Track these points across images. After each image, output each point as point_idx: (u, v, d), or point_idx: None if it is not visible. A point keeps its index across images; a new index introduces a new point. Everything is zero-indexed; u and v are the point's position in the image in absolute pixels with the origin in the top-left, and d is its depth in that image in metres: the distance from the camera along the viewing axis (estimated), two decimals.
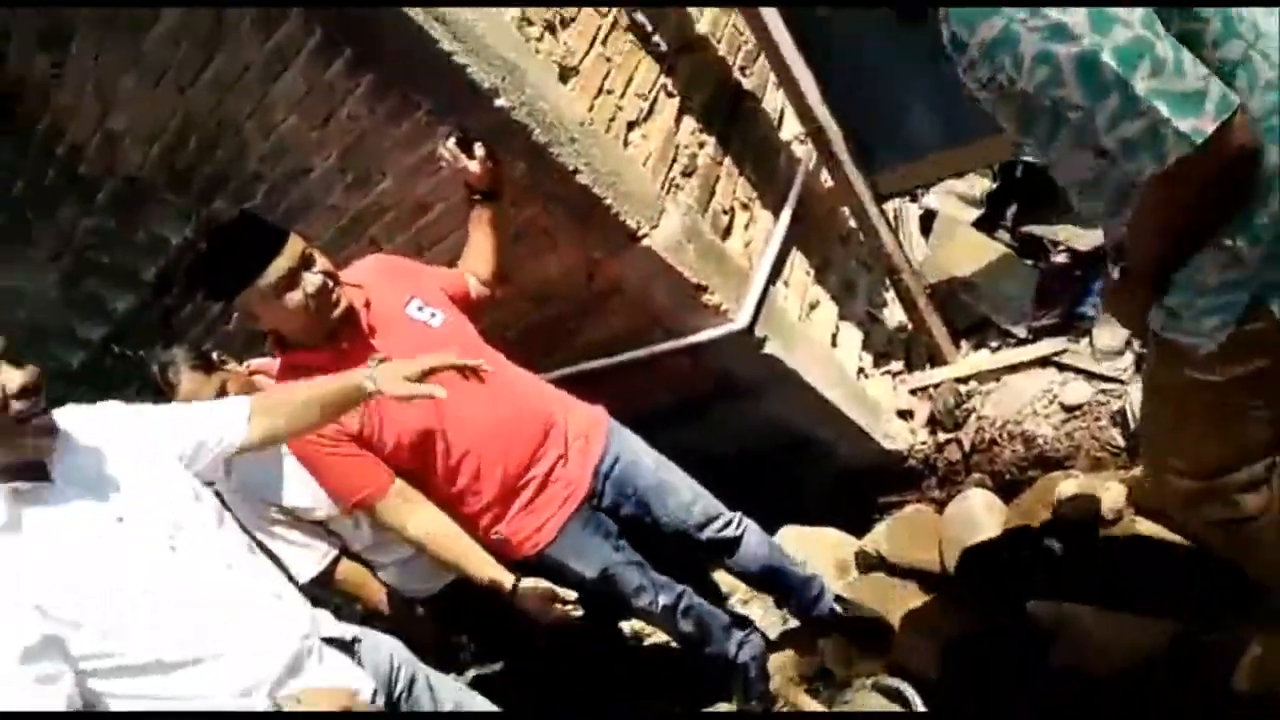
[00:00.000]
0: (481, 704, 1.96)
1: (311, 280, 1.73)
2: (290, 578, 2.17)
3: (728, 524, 2.11)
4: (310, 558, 2.16)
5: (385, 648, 1.82)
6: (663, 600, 2.05)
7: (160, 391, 1.99)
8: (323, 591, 2.21)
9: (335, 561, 2.20)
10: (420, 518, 1.89)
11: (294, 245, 1.73)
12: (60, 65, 2.28)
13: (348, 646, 1.71)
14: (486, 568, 1.91)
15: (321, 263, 1.77)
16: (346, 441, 1.82)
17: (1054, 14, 0.94)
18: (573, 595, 1.92)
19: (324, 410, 1.69)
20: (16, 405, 1.32)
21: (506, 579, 1.89)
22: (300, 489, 2.11)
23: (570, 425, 2.02)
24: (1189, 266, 1.14)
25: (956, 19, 1.00)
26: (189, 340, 2.89)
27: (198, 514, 1.57)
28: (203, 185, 2.44)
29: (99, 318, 3.05)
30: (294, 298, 1.73)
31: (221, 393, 2.00)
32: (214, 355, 2.11)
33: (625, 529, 2.07)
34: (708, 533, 2.09)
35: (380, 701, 1.65)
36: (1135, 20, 0.94)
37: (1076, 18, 0.94)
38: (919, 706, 1.90)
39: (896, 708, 1.98)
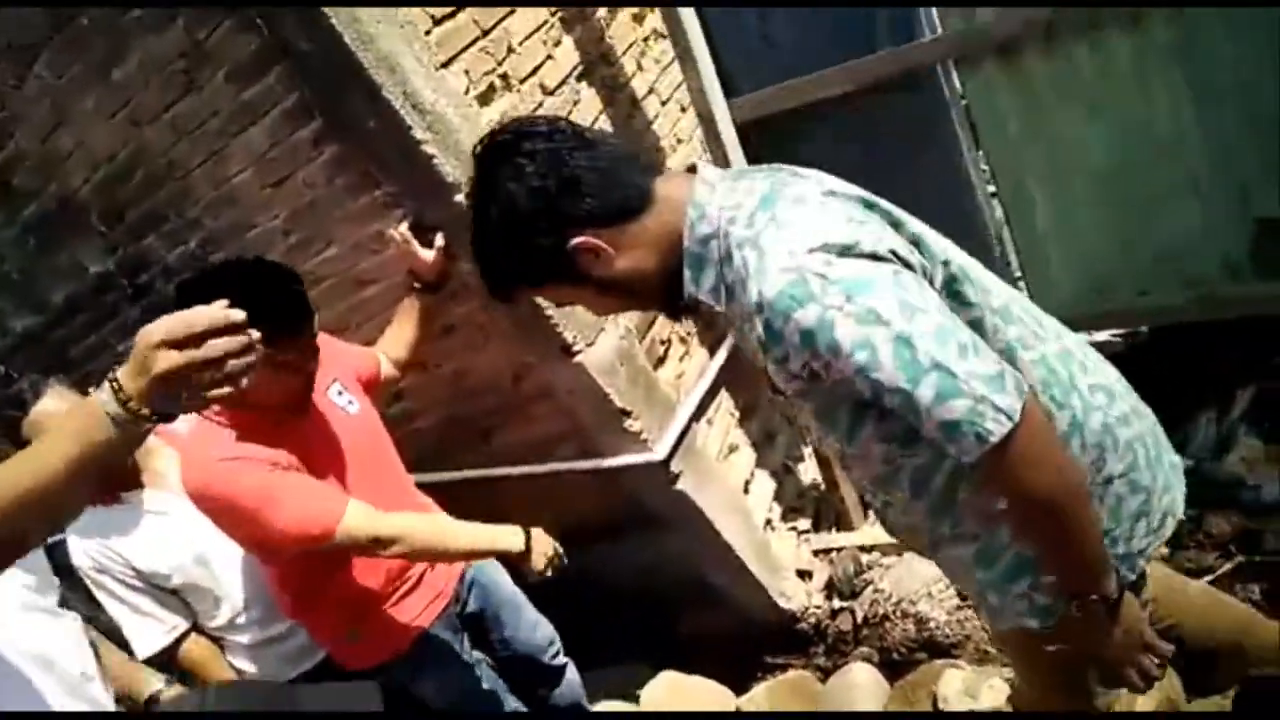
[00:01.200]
0: None
1: (311, 366, 1.71)
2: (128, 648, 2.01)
3: (558, 652, 2.20)
4: (155, 630, 2.00)
5: None
6: None
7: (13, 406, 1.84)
8: (163, 667, 2.03)
9: (182, 637, 2.04)
10: (393, 519, 1.75)
11: (315, 327, 1.68)
12: (22, 79, 2.23)
13: None
14: (487, 537, 1.84)
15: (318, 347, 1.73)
16: (292, 469, 1.69)
17: (866, 300, 0.98)
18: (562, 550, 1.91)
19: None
20: None
21: (516, 537, 1.82)
22: (160, 552, 1.98)
23: None
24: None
25: (771, 309, 1.01)
26: (83, 373, 2.75)
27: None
28: (137, 221, 2.37)
29: None
30: (287, 377, 1.67)
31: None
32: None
33: (477, 644, 2.08)
34: (547, 657, 2.16)
35: None
36: (933, 308, 1.00)
37: (887, 303, 0.98)
38: None
39: None
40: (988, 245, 2.38)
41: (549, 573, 1.84)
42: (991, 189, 2.43)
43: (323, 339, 1.90)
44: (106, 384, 0.97)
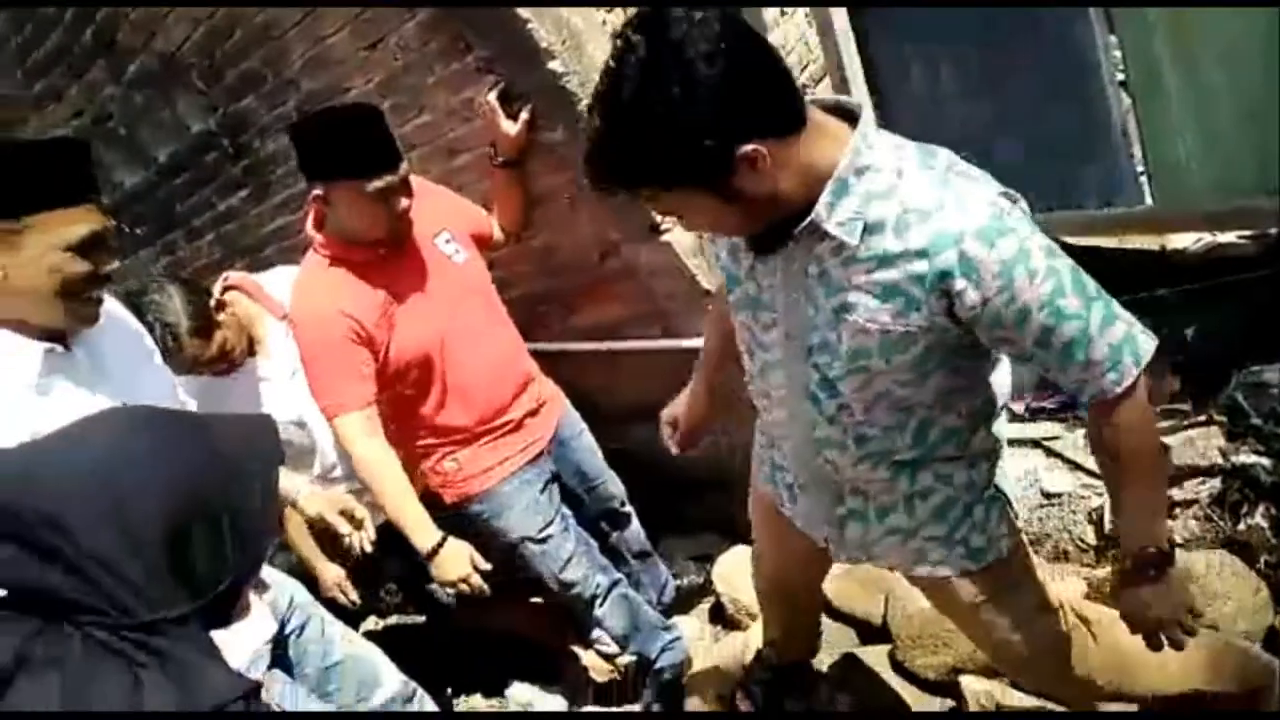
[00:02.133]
0: (372, 659, 1.94)
1: (402, 203, 1.78)
2: None
3: (624, 503, 2.34)
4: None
5: (287, 589, 1.81)
6: (599, 580, 2.13)
7: (160, 344, 1.92)
8: None
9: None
10: (372, 445, 1.90)
11: (407, 165, 1.79)
12: None
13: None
14: (415, 514, 1.92)
15: (413, 188, 1.81)
16: (355, 345, 1.83)
17: (1043, 239, 1.08)
18: (487, 566, 1.93)
19: None
20: (94, 291, 1.34)
21: (428, 538, 1.90)
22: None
23: (541, 388, 2.15)
24: None
25: (976, 237, 1.04)
26: (187, 229, 2.85)
27: None
28: (236, 81, 2.39)
29: (104, 189, 2.99)
30: (380, 210, 1.77)
31: (218, 353, 2.01)
32: (208, 296, 2.03)
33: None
34: (616, 503, 2.32)
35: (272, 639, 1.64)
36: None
37: (1054, 245, 1.10)
38: None
39: None
40: (1112, 137, 2.21)
41: (458, 586, 1.91)
42: (1121, 76, 2.24)
43: (434, 189, 2.04)
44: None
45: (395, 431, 1.99)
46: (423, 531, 1.90)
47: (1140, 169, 2.24)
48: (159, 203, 2.93)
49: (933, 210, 1.06)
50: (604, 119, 1.05)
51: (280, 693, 1.56)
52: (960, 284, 1.06)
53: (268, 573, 1.74)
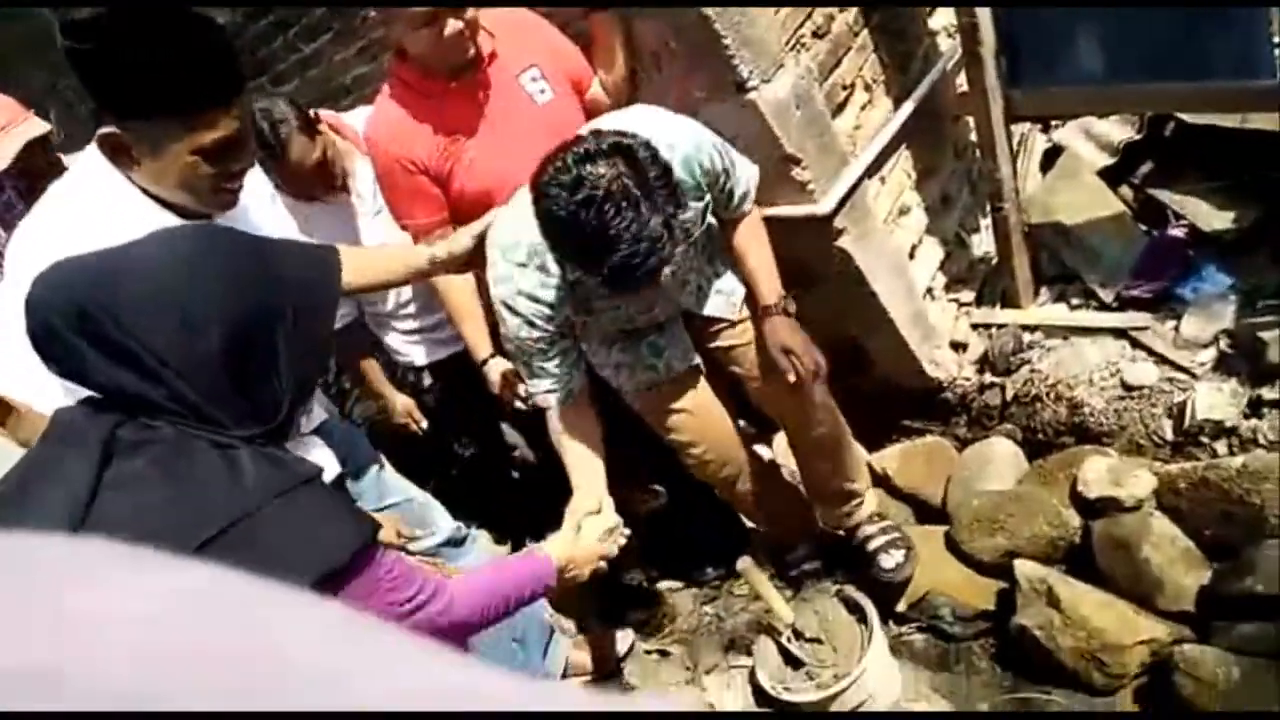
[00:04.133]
0: (426, 503, 2.06)
1: (452, 25, 1.78)
2: None
3: None
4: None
5: (349, 438, 1.92)
6: None
7: (268, 145, 1.97)
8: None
9: (351, 323, 2.39)
10: (449, 245, 2.05)
11: None
12: None
13: (318, 427, 1.79)
14: (475, 331, 2.13)
15: (469, 13, 1.80)
16: (418, 174, 1.95)
17: None
18: (523, 388, 2.11)
19: (397, 281, 1.80)
20: (229, 184, 1.39)
21: (484, 348, 2.13)
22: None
23: None
24: None
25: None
26: (274, 74, 2.85)
27: None
28: None
29: None
30: (429, 34, 1.78)
31: (323, 157, 2.08)
32: (311, 114, 2.11)
33: None
34: None
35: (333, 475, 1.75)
36: None
37: None
38: (877, 625, 1.94)
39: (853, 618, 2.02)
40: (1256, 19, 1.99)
41: (503, 396, 2.19)
42: None
43: (532, 22, 2.03)
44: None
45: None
46: (478, 345, 2.14)
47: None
48: (247, 43, 2.93)
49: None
50: None
51: None
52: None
53: (339, 425, 1.86)
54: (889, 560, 2.14)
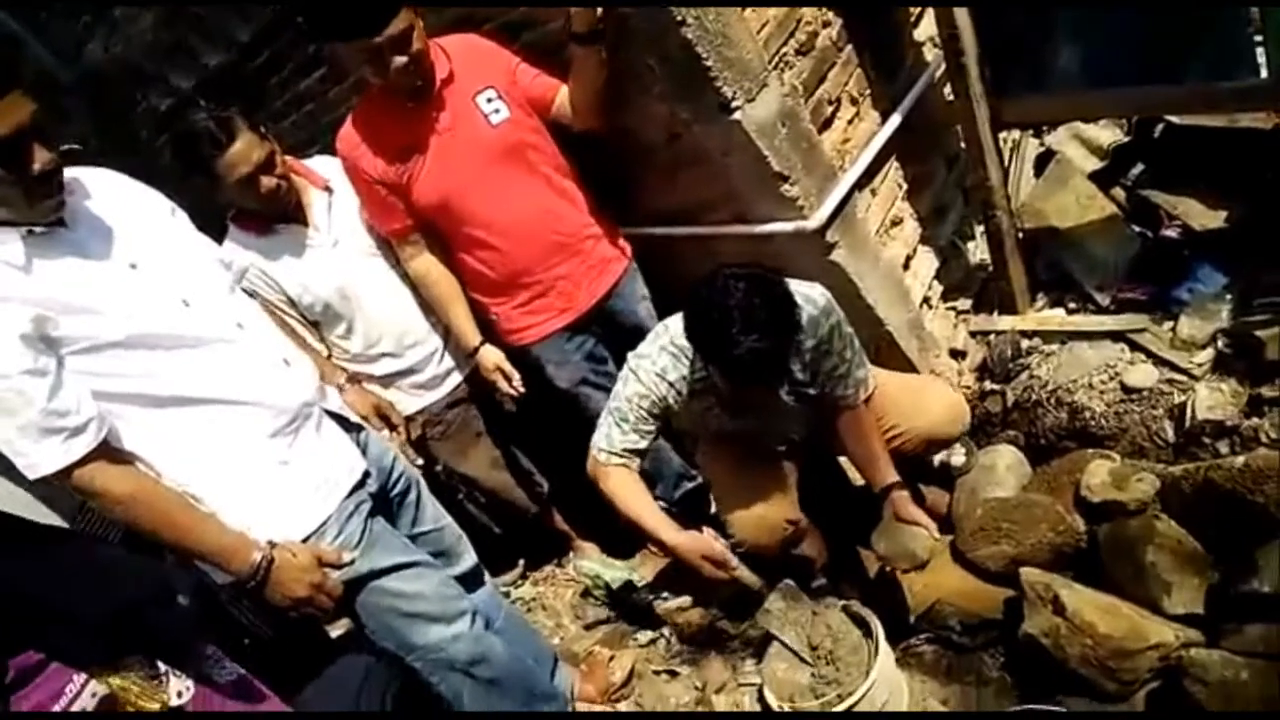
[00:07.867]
0: (454, 535, 2.06)
1: (397, 61, 1.90)
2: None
3: None
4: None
5: (394, 452, 1.91)
6: None
7: (214, 139, 1.96)
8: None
9: None
10: (416, 263, 2.24)
11: (400, 23, 1.85)
12: None
13: (353, 426, 1.80)
14: (461, 320, 2.27)
15: (416, 44, 1.90)
16: (375, 184, 2.12)
17: None
18: (518, 378, 2.29)
19: None
20: (40, 187, 1.37)
21: (473, 336, 2.27)
22: (309, 282, 2.22)
23: (594, 251, 2.27)
24: None
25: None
26: (270, 111, 2.89)
27: (211, 277, 1.67)
28: None
29: (190, 70, 3.05)
30: (376, 66, 1.91)
31: (267, 160, 2.03)
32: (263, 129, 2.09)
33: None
34: None
35: (373, 487, 1.75)
36: None
37: None
38: (883, 640, 1.93)
39: (858, 631, 2.01)
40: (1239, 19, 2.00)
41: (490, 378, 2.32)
42: None
43: (485, 48, 2.12)
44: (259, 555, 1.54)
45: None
46: (465, 334, 2.27)
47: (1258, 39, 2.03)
48: (243, 83, 2.97)
49: None
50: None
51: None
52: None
53: (381, 438, 1.96)
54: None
